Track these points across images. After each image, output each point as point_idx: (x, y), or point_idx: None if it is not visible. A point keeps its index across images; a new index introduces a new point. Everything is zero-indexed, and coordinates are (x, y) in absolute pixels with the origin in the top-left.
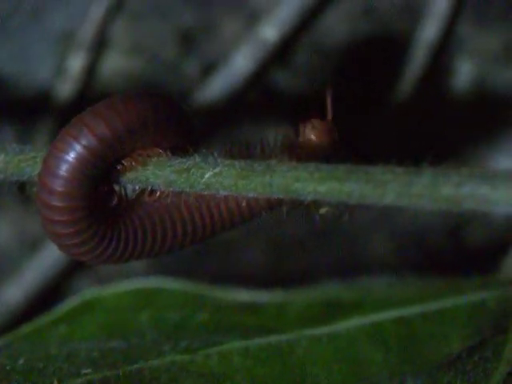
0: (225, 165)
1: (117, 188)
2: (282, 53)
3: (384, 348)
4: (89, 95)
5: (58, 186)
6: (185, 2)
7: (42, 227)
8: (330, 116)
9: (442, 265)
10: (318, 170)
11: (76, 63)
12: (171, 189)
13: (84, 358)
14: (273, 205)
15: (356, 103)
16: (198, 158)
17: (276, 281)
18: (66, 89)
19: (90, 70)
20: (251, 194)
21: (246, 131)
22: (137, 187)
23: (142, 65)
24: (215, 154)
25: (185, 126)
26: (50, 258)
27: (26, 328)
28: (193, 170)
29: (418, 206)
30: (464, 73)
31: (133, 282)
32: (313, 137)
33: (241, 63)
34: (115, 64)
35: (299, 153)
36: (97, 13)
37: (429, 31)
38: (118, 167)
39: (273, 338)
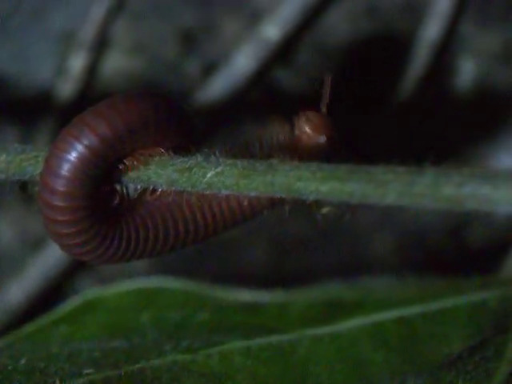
0: (227, 164)
1: (118, 187)
2: (283, 52)
3: (385, 348)
4: (90, 95)
5: (60, 185)
6: (186, 2)
7: (44, 227)
8: (324, 109)
9: (443, 264)
10: (319, 170)
11: (77, 63)
12: (173, 188)
13: (86, 358)
14: (274, 203)
15: (357, 102)
16: (199, 158)
17: (278, 280)
18: (67, 88)
19: (91, 70)
20: (253, 194)
21: (247, 131)
22: (138, 186)
23: (143, 64)
24: (217, 154)
25: (186, 126)
26: (51, 257)
27: (28, 328)
28: (195, 169)
29: (419, 205)
30: (466, 72)
31: (134, 282)
32: (308, 129)
33: (242, 62)
34: (116, 64)
35: (296, 146)
36: (98, 12)
37: (431, 30)
38: (120, 167)
39: (274, 338)
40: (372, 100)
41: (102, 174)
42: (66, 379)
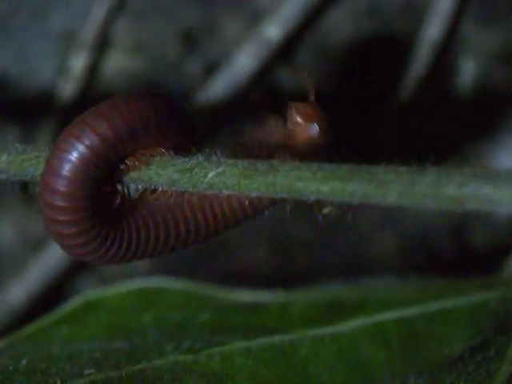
0: (228, 164)
1: (120, 188)
2: (285, 52)
3: (386, 348)
4: (91, 95)
5: (61, 185)
6: (187, 2)
7: (45, 227)
8: (313, 98)
9: (444, 265)
10: (320, 170)
11: (78, 63)
12: (174, 188)
13: (87, 359)
14: (275, 201)
15: (359, 102)
16: (200, 158)
17: (278, 280)
18: (68, 89)
19: (92, 70)
20: (254, 194)
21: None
22: (140, 187)
23: (144, 64)
24: (218, 154)
25: (187, 126)
26: (52, 257)
27: (29, 328)
28: (196, 169)
29: (420, 205)
30: (466, 72)
31: (135, 283)
32: (299, 119)
33: (244, 62)
34: (117, 64)
35: (290, 138)
36: (98, 12)
37: (431, 30)
38: (121, 167)
39: (275, 339)
40: (372, 100)
41: (103, 174)
42: (67, 380)
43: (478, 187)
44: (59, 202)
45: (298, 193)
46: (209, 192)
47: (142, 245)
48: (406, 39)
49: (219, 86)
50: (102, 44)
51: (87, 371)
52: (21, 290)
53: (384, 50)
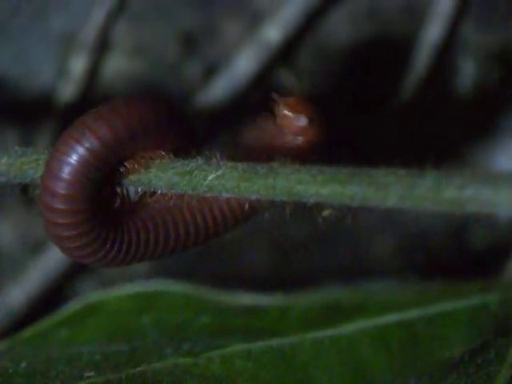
0: (227, 167)
1: (119, 190)
2: (285, 54)
3: (386, 351)
4: (91, 97)
5: (61, 188)
6: (187, 4)
7: (45, 230)
8: (297, 91)
9: (444, 267)
10: (320, 173)
11: (78, 65)
12: (173, 191)
13: (86, 361)
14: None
15: (359, 104)
16: (200, 161)
17: (278, 283)
18: (67, 91)
19: (92, 72)
20: (254, 197)
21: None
22: (139, 189)
23: (144, 67)
24: (218, 156)
25: (187, 129)
26: (52, 260)
27: (29, 331)
28: (195, 172)
29: (420, 208)
30: (466, 73)
31: (135, 285)
32: (286, 112)
33: (243, 64)
34: (117, 66)
35: (281, 132)
36: (98, 14)
37: (432, 32)
38: (121, 169)
39: (275, 341)
40: (373, 101)
41: (102, 176)
42: (67, 382)
43: (478, 190)
44: (59, 205)
45: (297, 195)
46: (208, 195)
47: (142, 247)
48: (405, 40)
49: (219, 88)
50: (102, 46)
51: (87, 374)
52: (20, 292)
53: (384, 51)
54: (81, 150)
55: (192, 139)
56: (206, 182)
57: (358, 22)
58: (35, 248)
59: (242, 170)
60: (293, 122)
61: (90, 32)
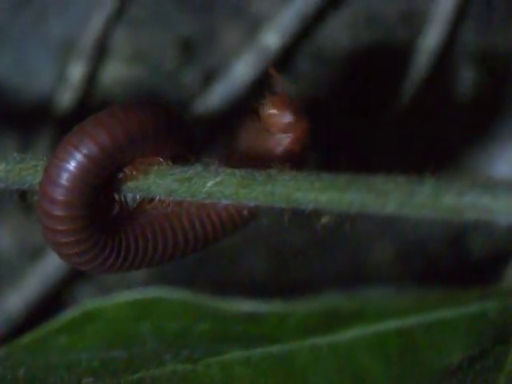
0: (226, 174)
1: (118, 197)
2: (283, 60)
3: (384, 358)
4: (89, 103)
5: (59, 194)
6: (185, 10)
7: (43, 236)
8: (282, 90)
9: (443, 274)
10: (319, 180)
11: (77, 71)
12: (172, 198)
13: (85, 368)
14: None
15: (358, 109)
16: (199, 167)
17: (277, 289)
18: (66, 97)
19: (91, 79)
20: (252, 203)
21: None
22: (138, 196)
23: (142, 73)
24: (216, 163)
25: (185, 135)
26: (50, 266)
27: (27, 338)
28: (194, 179)
29: (419, 215)
30: (466, 78)
31: (133, 292)
32: (272, 111)
33: (242, 71)
34: (116, 72)
35: (268, 131)
36: (97, 21)
37: (431, 38)
38: (120, 176)
39: (274, 348)
40: (372, 107)
41: (101, 183)
42: None
43: (477, 197)
44: (57, 211)
45: (296, 202)
46: (207, 201)
47: (140, 254)
48: (405, 46)
49: (217, 95)
50: (101, 52)
51: (85, 380)
52: (19, 298)
53: (383, 56)
54: (79, 156)
55: (191, 145)
56: (205, 189)
57: (357, 27)
58: (34, 254)
59: (241, 176)
60: (278, 119)
61: (88, 38)
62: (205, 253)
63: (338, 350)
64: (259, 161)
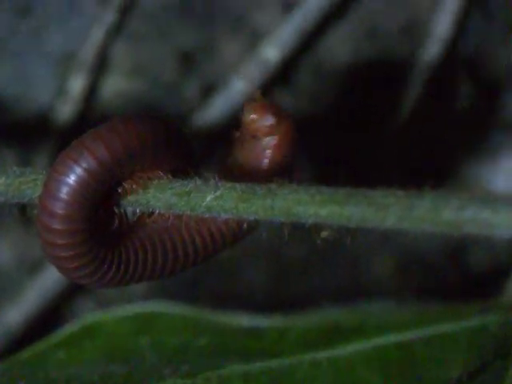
0: (226, 188)
1: (117, 211)
2: (283, 73)
3: (384, 372)
4: (89, 117)
5: (59, 208)
6: (185, 23)
7: (42, 250)
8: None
9: (443, 288)
10: (318, 193)
11: (76, 85)
12: (172, 212)
13: (84, 382)
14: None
15: (358, 123)
16: (198, 181)
17: (277, 303)
18: (66, 110)
19: (91, 92)
20: (252, 217)
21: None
22: (137, 210)
23: (142, 86)
24: (216, 177)
25: (185, 149)
26: (49, 280)
27: (26, 352)
28: (194, 193)
29: (419, 229)
30: (466, 93)
31: (132, 307)
32: (253, 116)
33: (242, 84)
34: (116, 86)
35: (252, 137)
36: (97, 34)
37: (431, 52)
38: (119, 190)
39: (274, 362)
40: (372, 121)
41: (100, 197)
42: None
43: (477, 211)
44: (57, 225)
45: (296, 216)
46: (207, 215)
47: (140, 268)
48: (405, 60)
49: (217, 108)
50: (101, 66)
51: None
52: (18, 312)
53: (383, 70)
54: (79, 170)
55: (190, 159)
56: (205, 203)
57: (357, 41)
58: (33, 268)
59: (241, 190)
60: (261, 123)
61: (88, 51)
62: (205, 266)
63: (337, 364)
64: (253, 169)
